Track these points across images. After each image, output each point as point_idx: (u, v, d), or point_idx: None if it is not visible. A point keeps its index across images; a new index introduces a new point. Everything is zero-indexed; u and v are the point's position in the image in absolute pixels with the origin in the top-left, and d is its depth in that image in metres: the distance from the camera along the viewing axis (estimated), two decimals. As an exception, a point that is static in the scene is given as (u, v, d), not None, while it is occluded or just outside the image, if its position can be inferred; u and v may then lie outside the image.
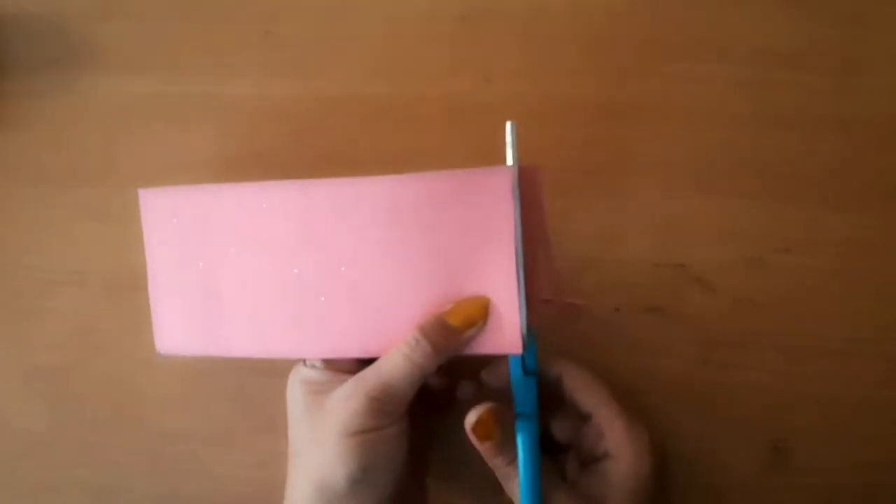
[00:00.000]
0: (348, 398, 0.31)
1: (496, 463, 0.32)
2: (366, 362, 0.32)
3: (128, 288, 0.41)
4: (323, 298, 0.33)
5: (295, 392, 0.33)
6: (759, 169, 0.40)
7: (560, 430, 0.34)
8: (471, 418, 0.31)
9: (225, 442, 0.41)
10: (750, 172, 0.40)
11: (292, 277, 0.34)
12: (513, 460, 0.31)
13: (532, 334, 0.32)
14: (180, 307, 0.37)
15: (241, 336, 0.35)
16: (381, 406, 0.30)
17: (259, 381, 0.41)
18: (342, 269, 0.33)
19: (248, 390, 0.41)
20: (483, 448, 0.31)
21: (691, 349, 0.39)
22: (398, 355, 0.31)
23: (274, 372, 0.39)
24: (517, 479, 0.31)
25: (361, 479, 0.30)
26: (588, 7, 0.41)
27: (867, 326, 0.39)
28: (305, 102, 0.42)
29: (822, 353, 0.39)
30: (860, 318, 0.39)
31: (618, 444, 0.32)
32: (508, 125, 0.31)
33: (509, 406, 0.32)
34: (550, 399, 0.34)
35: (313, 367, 0.33)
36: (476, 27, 0.42)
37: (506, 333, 0.31)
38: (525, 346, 0.31)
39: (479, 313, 0.31)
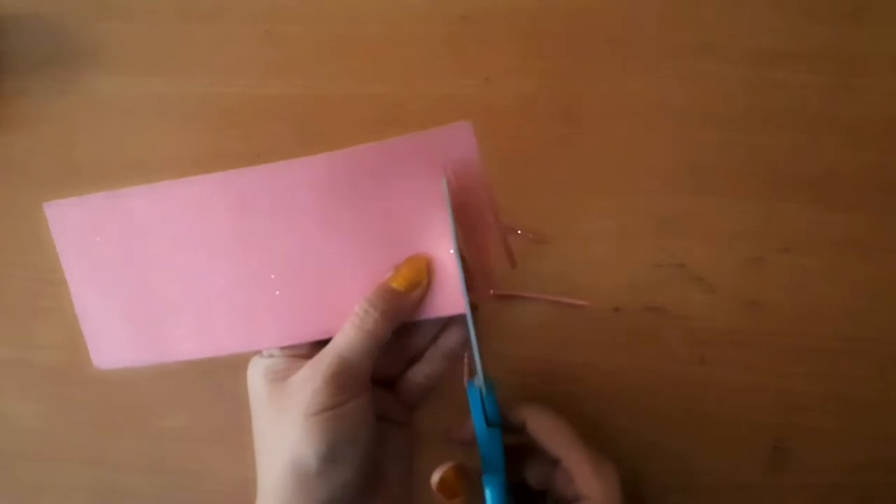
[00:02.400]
0: (307, 380, 0.31)
1: None
2: (323, 344, 0.32)
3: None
4: (277, 291, 0.33)
5: (256, 382, 0.33)
6: (758, 169, 0.40)
7: (534, 476, 0.34)
8: (434, 478, 0.31)
9: (225, 442, 0.41)
10: (750, 172, 0.40)
11: (234, 272, 0.34)
12: None
13: (490, 384, 0.32)
14: (114, 319, 0.36)
15: (188, 338, 0.35)
16: (339, 381, 0.30)
17: (259, 381, 0.41)
18: (287, 253, 0.33)
19: (247, 390, 0.41)
20: None
21: (691, 349, 0.39)
22: (349, 328, 0.31)
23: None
24: None
25: (331, 456, 0.30)
26: (588, 7, 0.41)
27: (867, 326, 0.39)
28: (305, 102, 0.42)
29: (822, 353, 0.39)
30: (860, 318, 0.39)
31: (587, 486, 0.32)
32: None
33: (477, 459, 0.32)
34: (522, 446, 0.34)
35: (271, 355, 0.33)
36: (476, 27, 0.42)
37: (448, 294, 0.32)
38: (467, 309, 0.32)
39: (421, 274, 0.32)
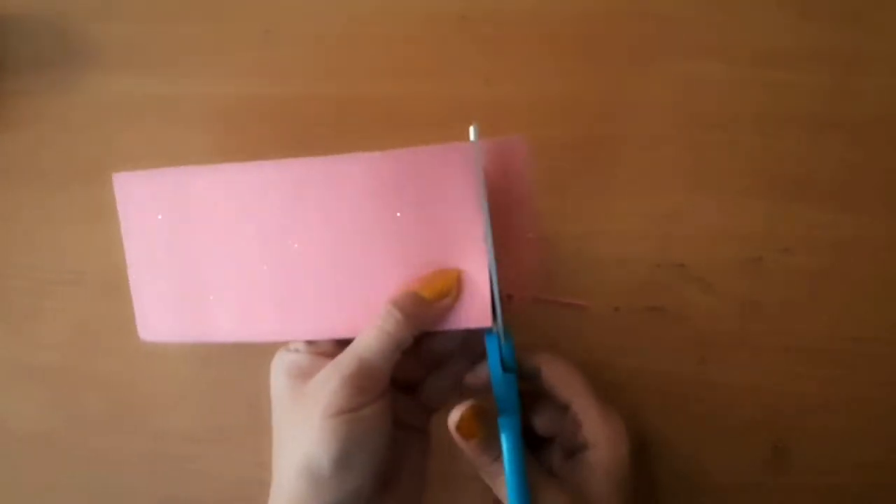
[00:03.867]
0: (327, 379, 0.31)
1: (481, 461, 0.32)
2: (347, 344, 0.32)
3: (127, 287, 0.41)
4: (311, 279, 0.34)
5: (278, 377, 0.33)
6: (758, 169, 0.40)
7: (541, 423, 0.35)
8: (453, 417, 0.31)
9: (225, 441, 0.41)
10: (750, 172, 0.40)
11: (278, 258, 0.34)
12: (497, 457, 0.31)
13: (509, 331, 0.33)
14: (163, 292, 0.36)
15: (227, 320, 0.35)
16: (357, 383, 0.30)
17: (259, 380, 0.41)
18: (328, 247, 0.34)
19: (248, 389, 0.41)
20: (467, 446, 0.31)
21: (691, 349, 0.39)
22: (371, 329, 0.31)
23: (274, 372, 0.39)
24: (503, 476, 0.31)
25: (344, 460, 0.30)
26: (588, 7, 0.41)
27: (867, 326, 0.39)
28: (305, 102, 0.42)
29: (821, 353, 0.39)
30: (860, 318, 0.39)
31: (594, 432, 0.32)
32: (472, 129, 0.32)
33: (491, 405, 0.32)
34: (531, 394, 0.34)
35: (297, 351, 0.34)
36: (476, 27, 0.42)
37: (476, 306, 0.32)
38: (498, 326, 0.32)
39: (451, 285, 0.32)
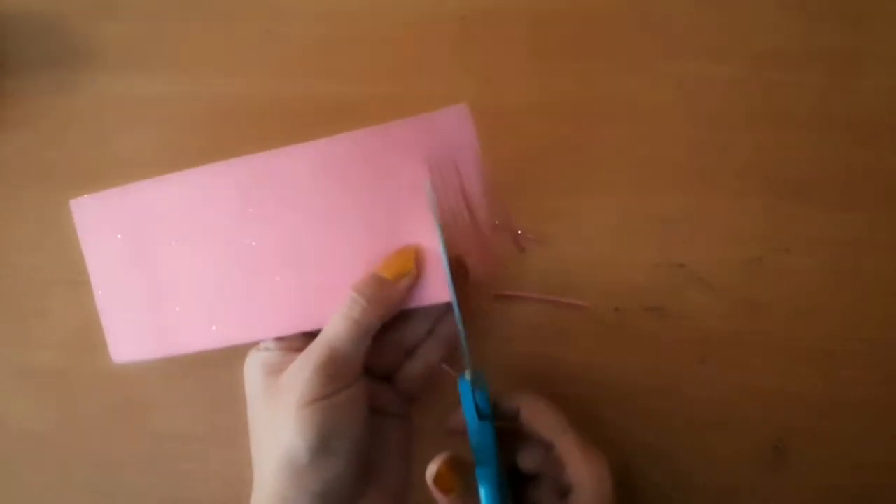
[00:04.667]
0: (298, 371, 0.31)
1: None
2: (315, 336, 0.32)
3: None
4: (273, 275, 0.34)
5: (252, 375, 0.33)
6: (758, 169, 0.40)
7: (526, 462, 0.34)
8: (431, 470, 0.31)
9: (225, 442, 0.41)
10: (750, 172, 0.40)
11: (237, 258, 0.34)
12: None
13: (480, 375, 0.33)
14: (130, 312, 0.36)
15: (196, 330, 0.35)
16: (329, 370, 0.30)
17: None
18: (285, 241, 0.34)
19: (244, 385, 0.41)
20: (445, 501, 0.31)
21: (691, 349, 0.39)
22: (337, 317, 0.31)
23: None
24: None
25: (322, 448, 0.30)
26: (588, 8, 0.41)
27: (867, 326, 0.39)
28: (305, 102, 0.42)
29: (821, 352, 0.39)
30: (860, 317, 0.39)
31: (578, 473, 0.32)
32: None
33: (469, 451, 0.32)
34: (514, 432, 0.34)
35: (267, 349, 0.34)
36: (476, 27, 0.42)
37: (437, 283, 0.32)
38: (452, 297, 0.32)
39: (409, 263, 0.32)
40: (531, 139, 0.40)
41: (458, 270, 0.33)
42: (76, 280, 0.43)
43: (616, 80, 0.41)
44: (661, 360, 0.39)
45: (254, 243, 0.34)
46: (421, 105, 0.42)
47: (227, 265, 0.34)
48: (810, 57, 0.40)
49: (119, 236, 0.36)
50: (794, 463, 0.38)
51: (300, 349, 0.32)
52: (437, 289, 0.32)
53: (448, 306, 0.33)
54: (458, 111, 0.33)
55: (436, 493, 0.31)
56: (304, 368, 0.31)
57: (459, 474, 0.31)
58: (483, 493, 0.31)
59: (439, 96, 0.41)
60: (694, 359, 0.39)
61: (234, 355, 0.40)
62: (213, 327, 0.35)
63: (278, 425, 0.31)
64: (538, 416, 0.34)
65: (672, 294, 0.39)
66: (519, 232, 0.39)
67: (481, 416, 0.32)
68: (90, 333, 0.42)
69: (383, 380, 0.36)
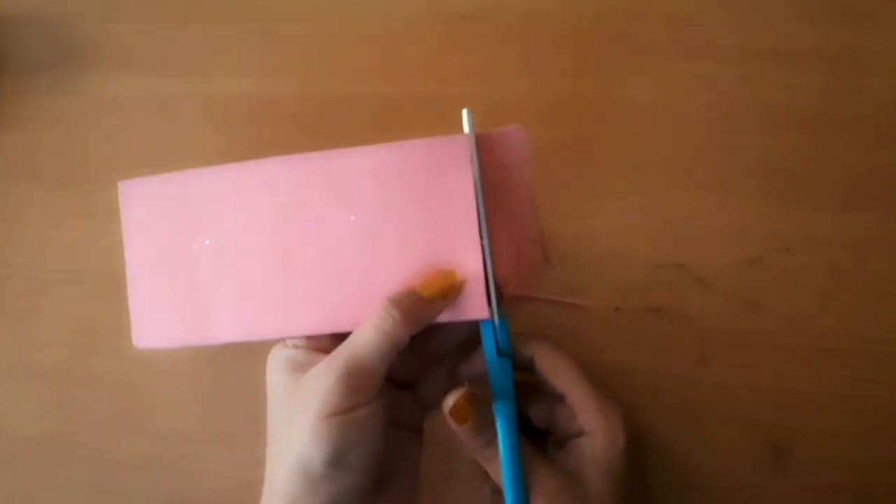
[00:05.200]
0: (322, 376, 0.30)
1: (475, 445, 0.32)
2: (343, 339, 0.32)
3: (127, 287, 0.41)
4: (310, 273, 0.34)
5: (274, 371, 0.33)
6: (758, 169, 0.40)
7: (536, 414, 0.35)
8: (448, 402, 0.31)
9: (225, 442, 0.41)
10: (750, 172, 0.40)
11: (277, 253, 0.34)
12: (491, 442, 0.31)
13: (503, 316, 0.33)
14: (160, 298, 0.36)
15: (225, 320, 0.35)
16: (352, 382, 0.30)
17: (259, 380, 0.41)
18: (324, 242, 0.34)
19: (248, 389, 0.41)
20: (460, 431, 0.31)
21: (691, 349, 0.39)
22: (368, 326, 0.31)
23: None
24: (498, 460, 0.31)
25: (337, 461, 0.29)
26: (588, 8, 0.41)
27: (867, 326, 0.39)
28: (305, 102, 0.42)
29: (822, 352, 0.39)
30: (860, 318, 0.39)
31: (591, 422, 0.32)
32: (464, 112, 0.33)
33: (486, 393, 0.33)
34: (526, 384, 0.34)
35: (294, 346, 0.33)
36: (476, 27, 0.42)
37: (473, 299, 0.32)
38: (493, 315, 0.32)
39: (450, 286, 0.32)
40: (530, 139, 0.40)
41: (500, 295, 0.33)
42: (76, 280, 0.43)
43: (615, 81, 0.41)
44: (661, 359, 0.39)
45: (295, 240, 0.34)
46: (421, 105, 0.42)
47: (267, 259, 0.34)
48: (811, 57, 0.40)
49: (160, 221, 0.36)
50: (794, 463, 0.38)
51: (327, 350, 0.32)
52: (476, 306, 0.32)
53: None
54: (517, 131, 0.34)
55: (451, 423, 0.31)
56: (327, 374, 0.30)
57: (475, 408, 0.31)
58: (500, 425, 0.31)
59: (439, 96, 0.41)
60: (694, 359, 0.39)
61: (236, 355, 0.41)
62: (245, 319, 0.35)
63: (294, 431, 0.30)
64: (553, 365, 0.34)
65: (672, 294, 0.39)
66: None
67: (500, 353, 0.33)
68: (90, 333, 0.42)
69: (404, 387, 0.36)
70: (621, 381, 0.39)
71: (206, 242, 0.35)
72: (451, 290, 0.32)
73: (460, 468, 0.39)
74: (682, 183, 0.40)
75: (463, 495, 0.39)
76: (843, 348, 0.39)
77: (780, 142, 0.40)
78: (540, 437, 0.35)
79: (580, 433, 0.33)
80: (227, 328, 0.35)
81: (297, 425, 0.30)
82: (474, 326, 0.34)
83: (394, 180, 0.33)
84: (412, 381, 0.36)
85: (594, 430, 0.32)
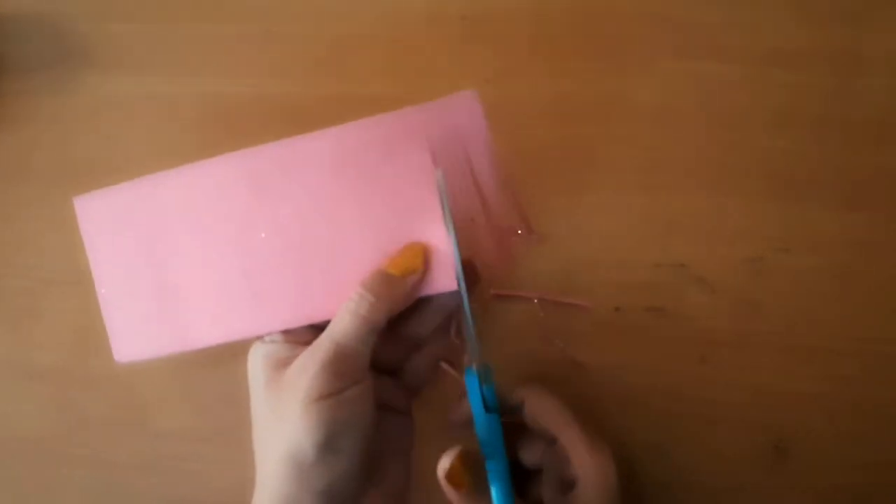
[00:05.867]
0: (304, 367, 0.30)
1: None
2: (322, 330, 0.32)
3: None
4: (281, 267, 0.33)
5: (255, 368, 0.33)
6: (759, 169, 0.40)
7: (528, 457, 0.34)
8: (443, 464, 0.31)
9: (225, 442, 0.41)
10: (750, 172, 0.40)
11: (247, 250, 0.34)
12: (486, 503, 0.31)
13: (487, 369, 0.32)
14: (135, 310, 0.36)
15: (201, 325, 0.35)
16: (336, 368, 0.30)
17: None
18: (294, 233, 0.33)
19: (248, 389, 0.41)
20: (456, 497, 0.31)
21: (691, 349, 0.39)
22: (344, 313, 0.31)
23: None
24: None
25: (329, 445, 0.29)
26: (588, 7, 0.41)
27: (867, 326, 0.39)
28: (305, 102, 0.42)
29: (822, 352, 0.39)
30: (860, 318, 0.39)
31: (582, 467, 0.32)
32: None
33: (475, 443, 0.32)
34: (517, 426, 0.34)
35: (273, 341, 0.33)
36: (476, 27, 0.42)
37: (442, 273, 0.32)
38: (460, 284, 0.32)
39: (417, 260, 0.32)
40: (531, 139, 0.40)
41: (469, 274, 0.33)
42: (76, 280, 0.43)
43: (616, 80, 0.41)
44: (662, 359, 0.39)
45: (263, 234, 0.34)
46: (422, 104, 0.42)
47: (237, 257, 0.34)
48: (812, 57, 0.40)
49: (124, 233, 0.36)
50: (794, 463, 0.38)
51: (307, 343, 0.32)
52: (445, 278, 0.32)
53: (457, 300, 0.33)
54: (467, 97, 0.33)
55: (447, 489, 0.31)
56: (309, 365, 0.30)
57: (470, 470, 0.31)
58: (494, 491, 0.31)
59: (440, 96, 0.41)
60: (694, 359, 0.39)
61: (234, 355, 0.40)
62: (222, 321, 0.35)
63: (282, 422, 0.30)
64: (542, 409, 0.33)
65: (672, 294, 0.39)
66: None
67: (488, 408, 0.32)
68: (90, 333, 0.42)
69: (388, 374, 0.36)
70: (621, 381, 0.39)
71: (172, 249, 0.35)
72: (418, 265, 0.32)
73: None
74: (682, 183, 0.40)
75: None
76: (843, 348, 0.39)
77: (780, 142, 0.40)
78: (534, 478, 0.35)
79: (574, 481, 0.32)
80: (203, 332, 0.35)
81: (285, 416, 0.30)
82: (448, 310, 0.33)
83: (352, 162, 0.33)
84: (396, 367, 0.36)
85: (586, 477, 0.31)
